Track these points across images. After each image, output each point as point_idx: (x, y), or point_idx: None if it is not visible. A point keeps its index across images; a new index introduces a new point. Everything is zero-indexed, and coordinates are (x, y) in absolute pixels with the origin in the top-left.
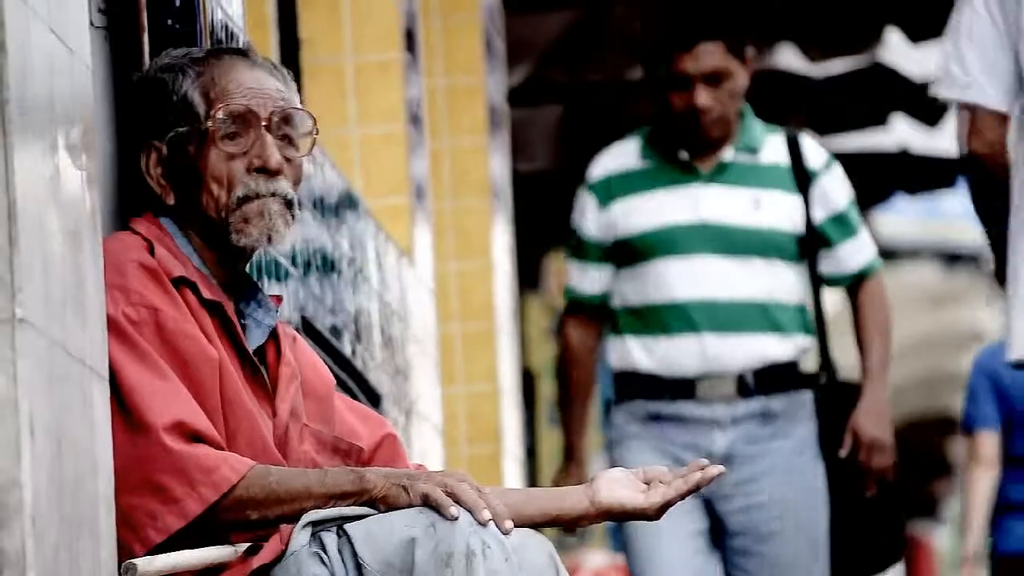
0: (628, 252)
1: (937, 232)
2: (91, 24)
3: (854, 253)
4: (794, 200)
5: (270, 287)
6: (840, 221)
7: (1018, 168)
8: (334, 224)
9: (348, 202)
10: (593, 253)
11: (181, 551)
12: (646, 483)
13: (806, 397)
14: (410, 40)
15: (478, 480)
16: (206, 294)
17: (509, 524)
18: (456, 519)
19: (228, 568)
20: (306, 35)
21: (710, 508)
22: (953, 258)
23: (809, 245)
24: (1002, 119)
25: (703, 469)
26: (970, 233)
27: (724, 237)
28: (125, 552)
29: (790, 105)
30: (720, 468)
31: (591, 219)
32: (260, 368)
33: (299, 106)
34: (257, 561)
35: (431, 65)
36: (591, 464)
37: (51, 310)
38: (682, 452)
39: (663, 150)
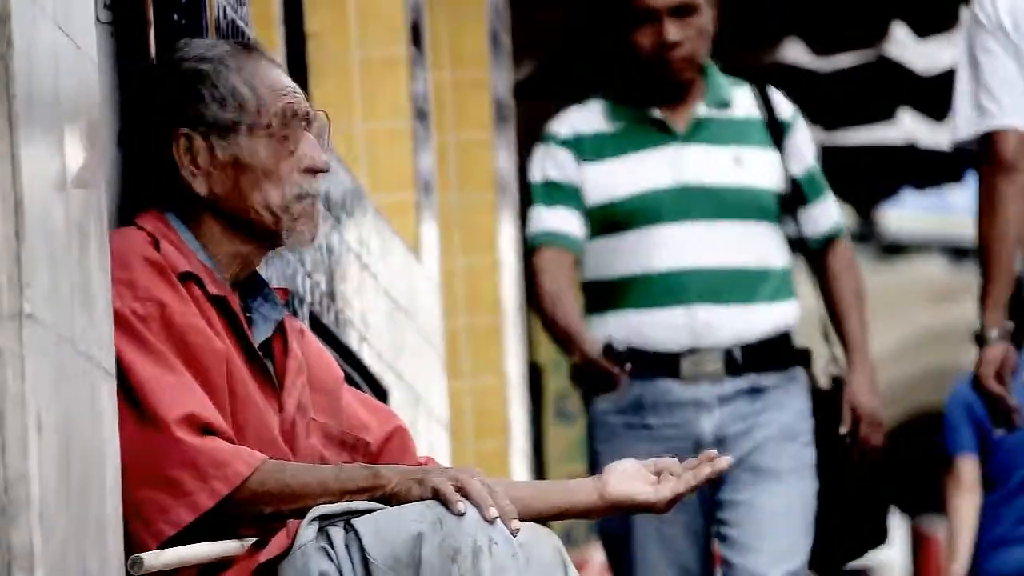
0: (603, 222)
1: (944, 226)
2: (97, 20)
3: (825, 212)
4: (772, 155)
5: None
6: (812, 178)
7: None
8: (341, 219)
9: (354, 197)
10: (569, 196)
11: (188, 545)
12: (656, 475)
13: (799, 373)
14: (416, 35)
15: (484, 475)
16: (212, 289)
17: (516, 524)
18: (463, 515)
19: (235, 562)
20: (312, 30)
21: (714, 499)
22: (960, 252)
23: (787, 203)
24: None
25: (712, 461)
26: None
27: (708, 199)
28: (137, 545)
29: (797, 100)
30: (729, 459)
31: (565, 166)
32: (266, 362)
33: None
34: (264, 555)
35: (437, 60)
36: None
37: (58, 306)
38: (673, 443)
39: (632, 110)
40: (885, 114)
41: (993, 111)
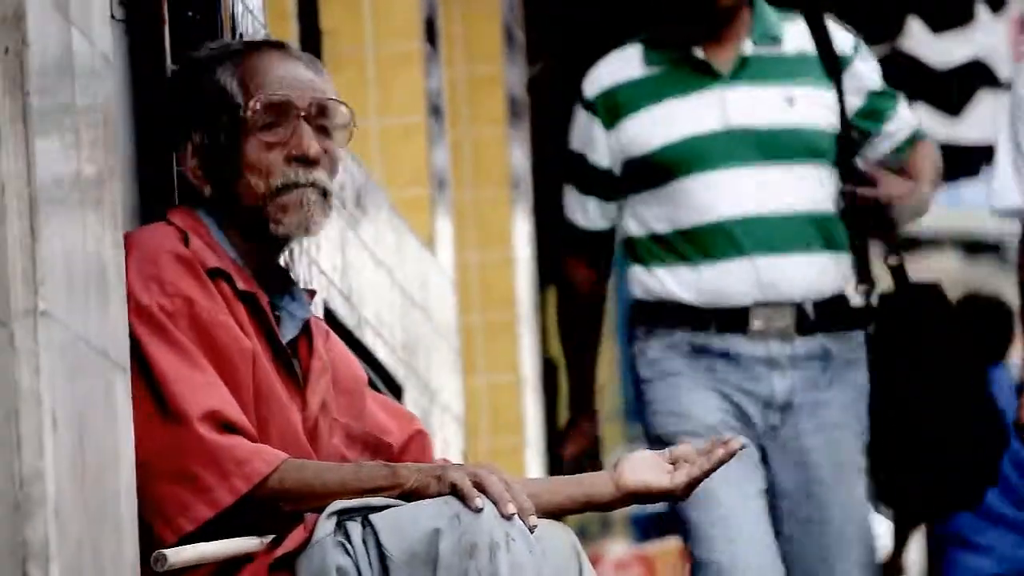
0: (647, 173)
1: (959, 221)
2: (112, 17)
3: (902, 122)
4: (828, 94)
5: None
6: (881, 96)
7: None
8: (355, 215)
9: (369, 193)
10: (599, 183)
11: (209, 542)
12: (672, 463)
13: (860, 338)
14: (430, 31)
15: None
16: (240, 285)
17: (534, 520)
18: (480, 511)
19: (253, 558)
20: (327, 26)
21: (765, 462)
22: (975, 247)
23: (845, 143)
24: None
25: (725, 444)
26: (992, 222)
27: (758, 143)
28: (156, 540)
29: None
30: (741, 441)
31: (595, 143)
32: (292, 361)
33: (336, 98)
34: (281, 550)
35: (451, 55)
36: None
37: (73, 303)
38: (738, 396)
39: (671, 51)
40: None
41: None
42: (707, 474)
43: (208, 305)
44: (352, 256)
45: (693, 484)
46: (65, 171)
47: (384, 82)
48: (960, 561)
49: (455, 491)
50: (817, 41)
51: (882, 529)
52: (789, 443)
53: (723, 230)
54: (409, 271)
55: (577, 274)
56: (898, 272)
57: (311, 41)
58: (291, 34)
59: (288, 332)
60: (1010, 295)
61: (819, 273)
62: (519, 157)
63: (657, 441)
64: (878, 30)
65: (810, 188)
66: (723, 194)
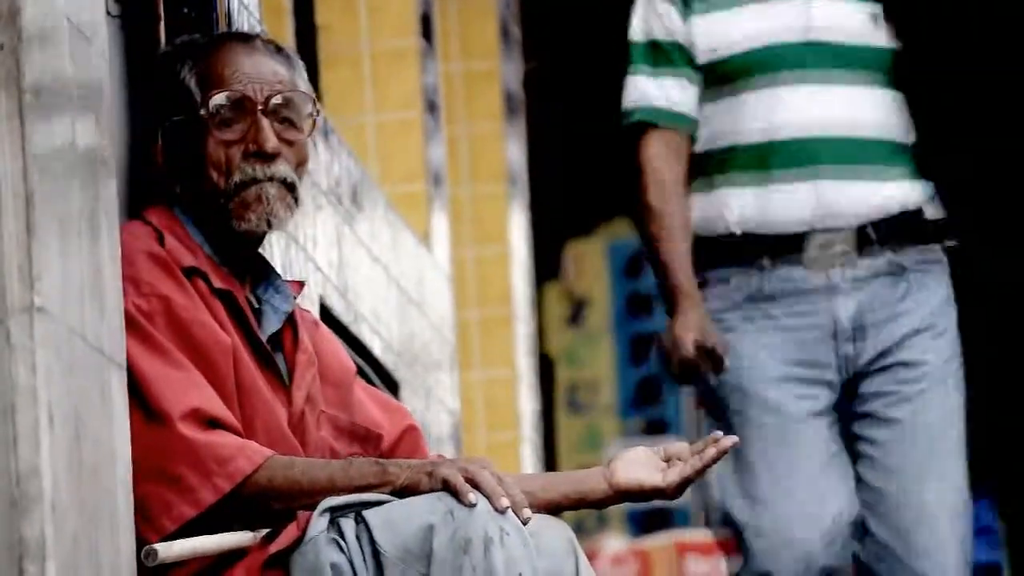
0: (714, 81)
1: None
2: (107, 13)
3: None
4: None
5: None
6: None
7: None
8: (351, 211)
9: (365, 189)
10: (677, 60)
11: (200, 536)
12: (666, 460)
13: (939, 251)
14: (426, 26)
15: (494, 465)
16: (216, 283)
17: (528, 512)
18: (474, 506)
19: (246, 553)
20: (322, 22)
21: (843, 409)
22: None
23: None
24: None
25: (717, 442)
26: None
27: (838, 57)
28: (139, 539)
29: None
30: (734, 439)
31: (671, 21)
32: (274, 355)
33: (300, 88)
34: (274, 547)
35: (447, 51)
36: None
37: (69, 299)
38: (802, 332)
39: None
40: None
41: None
42: (699, 473)
43: (185, 303)
44: (348, 252)
45: (685, 483)
46: (61, 167)
47: (380, 78)
48: None
49: (447, 487)
50: None
51: None
52: (869, 366)
53: (790, 146)
54: (405, 267)
55: (659, 154)
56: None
57: (307, 37)
58: (286, 30)
59: (270, 326)
60: None
61: (884, 197)
62: (515, 153)
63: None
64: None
65: (887, 112)
66: (793, 109)
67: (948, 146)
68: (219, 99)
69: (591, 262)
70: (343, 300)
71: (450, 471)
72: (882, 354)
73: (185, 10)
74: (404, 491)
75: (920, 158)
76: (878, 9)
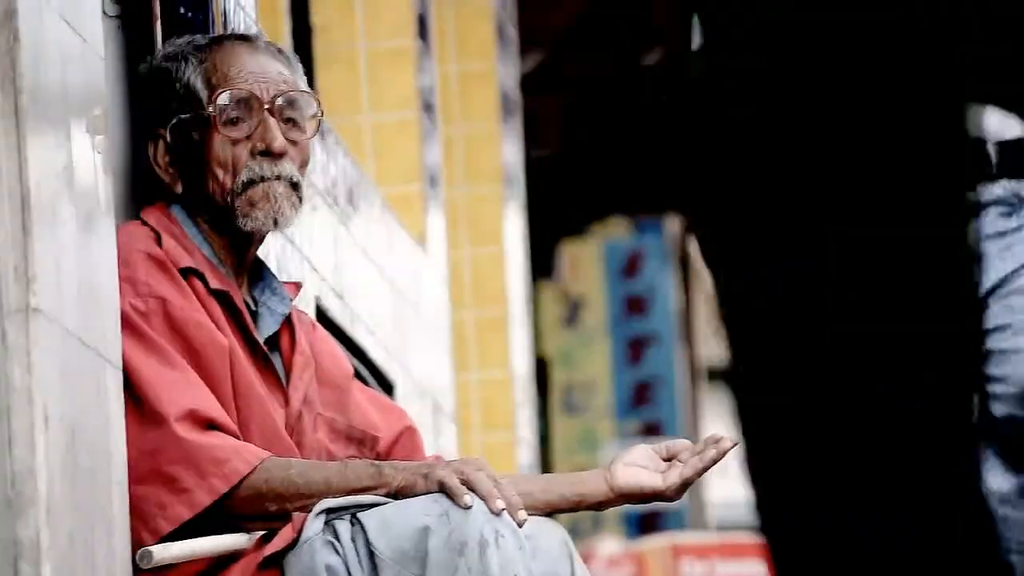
0: None
1: None
2: (104, 13)
3: None
4: None
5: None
6: None
7: None
8: (347, 212)
9: (361, 190)
10: None
11: (195, 538)
12: (667, 459)
13: None
14: (423, 27)
15: (489, 466)
16: (214, 284)
17: (523, 515)
18: (469, 508)
19: (242, 555)
20: (319, 22)
21: None
22: None
23: None
24: None
25: (717, 443)
26: None
27: None
28: (135, 541)
29: None
30: (734, 440)
31: None
32: (271, 357)
33: (303, 89)
34: (270, 548)
35: (444, 52)
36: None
37: (65, 300)
38: None
39: None
40: None
41: None
42: (699, 474)
43: (182, 304)
44: (344, 253)
45: (685, 485)
46: (58, 168)
47: (376, 79)
48: None
49: (443, 489)
50: None
51: None
52: None
53: None
54: (401, 268)
55: None
56: None
57: (303, 37)
58: (283, 30)
59: (267, 328)
60: None
61: None
62: (511, 154)
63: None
64: None
65: None
66: None
67: None
68: (226, 97)
69: (587, 263)
70: (339, 301)
71: (446, 473)
72: None
73: (182, 10)
74: (400, 493)
75: None
76: None
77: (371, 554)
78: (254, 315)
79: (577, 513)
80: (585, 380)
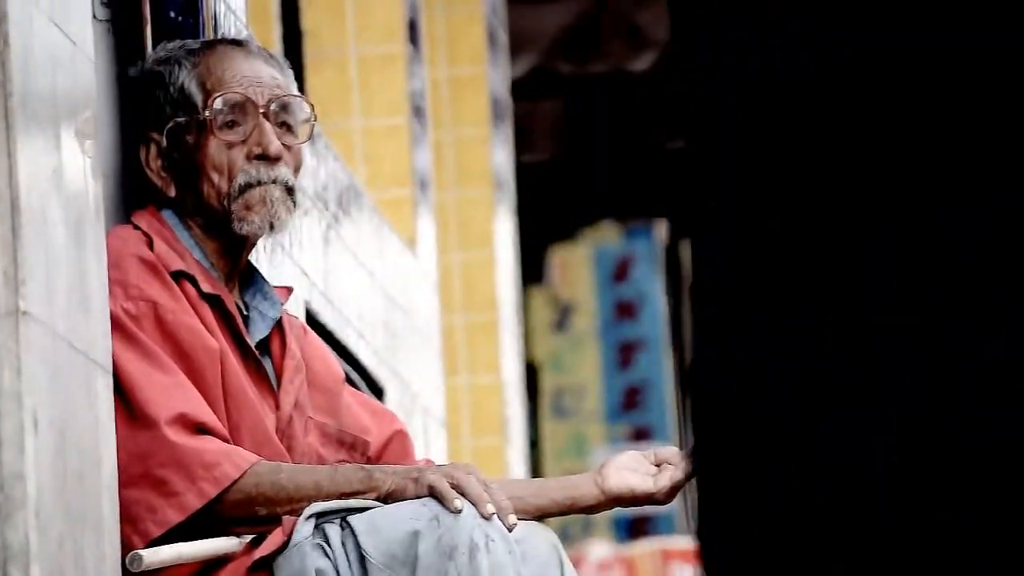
0: None
1: None
2: (94, 17)
3: None
4: None
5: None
6: None
7: None
8: (338, 216)
9: (351, 194)
10: None
11: (185, 542)
12: (656, 465)
13: None
14: (413, 32)
15: (479, 471)
16: (205, 287)
17: (513, 519)
18: (459, 512)
19: (231, 559)
20: (309, 27)
21: None
22: None
23: None
24: None
25: None
26: None
27: None
28: (124, 544)
29: None
30: None
31: None
32: (262, 361)
33: (296, 93)
34: (260, 552)
35: (434, 56)
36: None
37: (55, 303)
38: None
39: None
40: None
41: None
42: (690, 478)
43: (173, 307)
44: (334, 257)
45: (676, 488)
46: (47, 171)
47: (366, 83)
48: None
49: (433, 493)
50: None
51: None
52: None
53: None
54: (391, 272)
55: None
56: None
57: (293, 42)
58: (273, 35)
59: (258, 332)
60: None
61: None
62: (502, 158)
63: None
64: None
65: None
66: None
67: None
68: (221, 101)
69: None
70: (329, 305)
71: (436, 477)
72: None
73: (172, 14)
74: (390, 497)
75: None
76: None
77: (361, 558)
78: (245, 319)
79: (567, 517)
80: (575, 384)
